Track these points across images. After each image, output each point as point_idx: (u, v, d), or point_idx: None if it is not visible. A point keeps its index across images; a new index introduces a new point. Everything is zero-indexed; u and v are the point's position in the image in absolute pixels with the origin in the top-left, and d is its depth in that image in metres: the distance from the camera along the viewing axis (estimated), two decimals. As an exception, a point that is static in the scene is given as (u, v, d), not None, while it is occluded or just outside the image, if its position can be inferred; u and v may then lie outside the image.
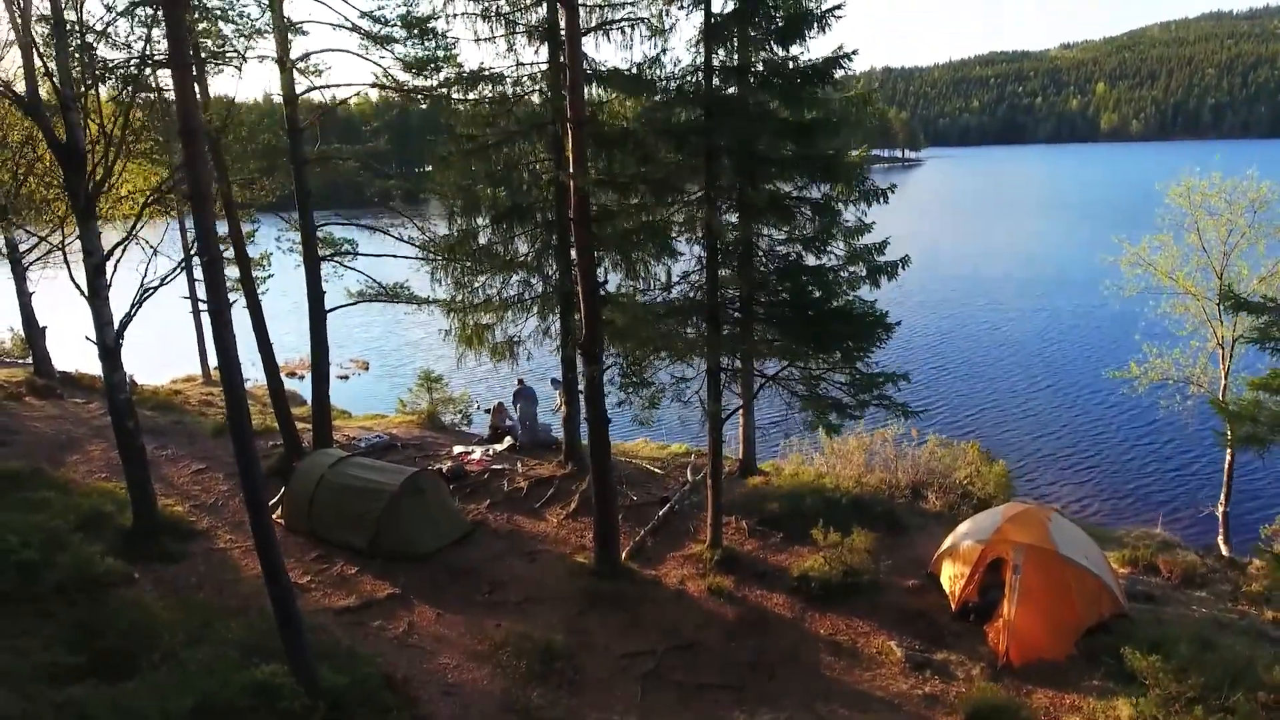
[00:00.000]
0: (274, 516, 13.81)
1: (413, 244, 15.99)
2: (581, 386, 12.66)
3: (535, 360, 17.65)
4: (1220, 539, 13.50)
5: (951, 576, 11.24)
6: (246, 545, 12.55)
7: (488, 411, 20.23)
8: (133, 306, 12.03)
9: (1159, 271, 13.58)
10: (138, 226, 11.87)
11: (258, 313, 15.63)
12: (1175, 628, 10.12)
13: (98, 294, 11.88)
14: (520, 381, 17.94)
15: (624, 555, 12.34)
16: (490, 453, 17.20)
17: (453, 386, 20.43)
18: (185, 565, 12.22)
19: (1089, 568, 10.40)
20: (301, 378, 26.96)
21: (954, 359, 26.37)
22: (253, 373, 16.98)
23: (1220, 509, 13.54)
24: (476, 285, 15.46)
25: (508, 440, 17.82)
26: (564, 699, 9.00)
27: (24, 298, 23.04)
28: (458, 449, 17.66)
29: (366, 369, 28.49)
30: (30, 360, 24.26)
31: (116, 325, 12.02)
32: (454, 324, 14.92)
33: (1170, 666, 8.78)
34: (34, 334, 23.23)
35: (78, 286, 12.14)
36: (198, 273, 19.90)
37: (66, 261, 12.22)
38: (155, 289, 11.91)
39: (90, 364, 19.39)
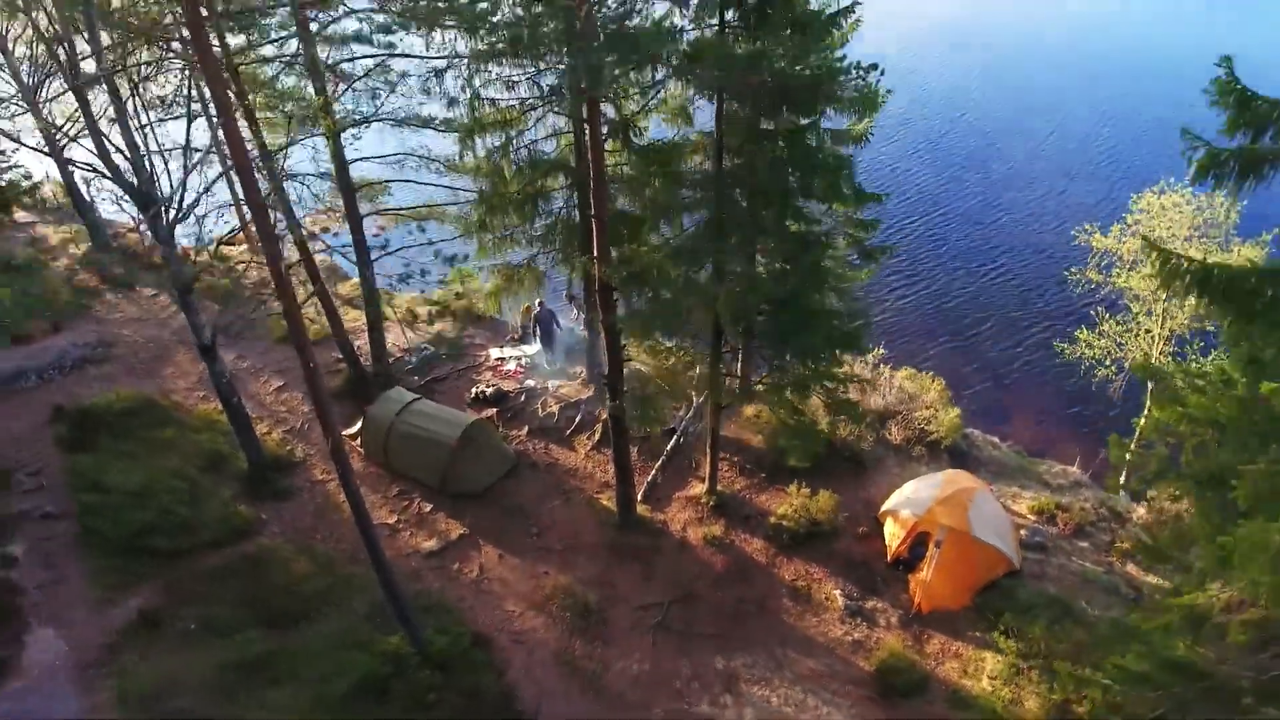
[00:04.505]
0: (355, 444, 17.05)
1: (440, 178, 17.22)
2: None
3: (559, 285, 19.61)
4: (1122, 479, 16.58)
5: (891, 534, 14.59)
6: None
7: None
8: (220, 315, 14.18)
9: (1122, 259, 14.97)
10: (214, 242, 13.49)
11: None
12: (1047, 589, 13.64)
13: (189, 308, 13.94)
14: (541, 304, 19.84)
15: (639, 496, 15.65)
16: (524, 361, 19.90)
17: (483, 276, 22.30)
18: (297, 503, 15.64)
19: (993, 543, 13.65)
20: (336, 234, 28.55)
21: (952, 244, 27.21)
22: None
23: (1128, 454, 16.39)
24: (506, 233, 16.97)
25: (535, 345, 20.36)
26: (598, 650, 12.85)
27: (64, 171, 24.09)
28: (493, 354, 20.33)
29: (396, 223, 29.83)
30: (73, 206, 25.66)
31: (209, 330, 14.27)
32: (490, 281, 16.76)
33: (1027, 638, 12.41)
34: (85, 209, 24.64)
35: (171, 295, 14.16)
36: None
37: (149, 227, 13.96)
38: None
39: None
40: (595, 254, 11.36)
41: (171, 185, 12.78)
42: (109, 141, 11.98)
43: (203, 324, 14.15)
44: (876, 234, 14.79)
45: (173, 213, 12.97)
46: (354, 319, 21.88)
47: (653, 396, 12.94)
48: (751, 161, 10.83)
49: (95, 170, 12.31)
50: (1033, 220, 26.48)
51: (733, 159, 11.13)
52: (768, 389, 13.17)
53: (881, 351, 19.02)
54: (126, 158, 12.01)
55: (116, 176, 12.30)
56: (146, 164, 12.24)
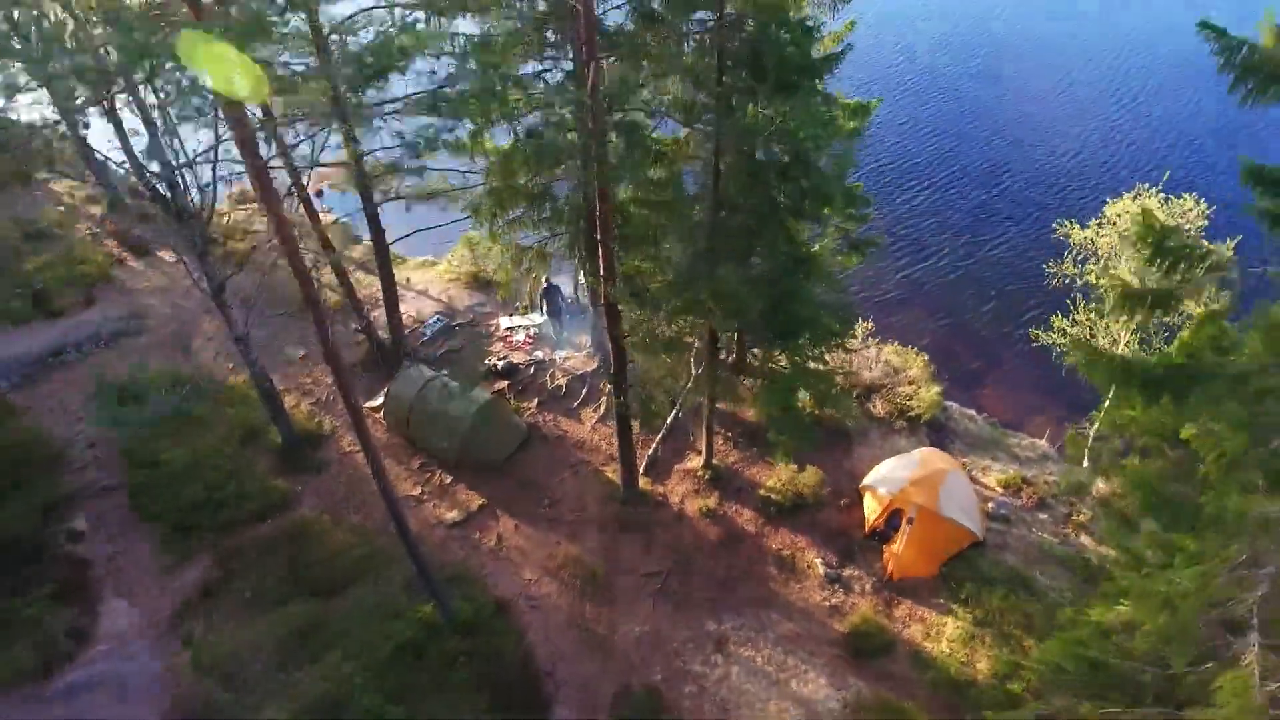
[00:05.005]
0: (377, 416, 18.42)
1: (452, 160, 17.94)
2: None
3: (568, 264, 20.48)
4: (1084, 461, 17.95)
5: (869, 507, 16.09)
6: (365, 450, 17.30)
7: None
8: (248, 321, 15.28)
9: (1098, 254, 15.87)
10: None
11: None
12: (1006, 560, 15.22)
13: (223, 306, 15.01)
14: (547, 280, 20.74)
15: (641, 469, 17.08)
16: (532, 331, 21.04)
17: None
18: (329, 476, 17.09)
19: (960, 520, 15.14)
20: (343, 193, 29.07)
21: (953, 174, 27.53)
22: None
23: (1091, 431, 17.71)
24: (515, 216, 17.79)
25: (542, 315, 21.42)
26: (605, 614, 14.53)
27: (76, 131, 24.51)
28: (504, 323, 21.43)
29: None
30: (88, 169, 26.23)
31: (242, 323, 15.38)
32: (500, 268, 17.73)
33: (984, 606, 14.07)
34: (99, 171, 25.16)
35: (204, 291, 15.19)
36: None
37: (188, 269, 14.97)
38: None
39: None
40: (602, 274, 12.37)
41: (201, 194, 13.66)
42: (144, 163, 12.78)
43: (236, 318, 15.25)
44: (868, 223, 15.76)
45: (204, 215, 13.92)
46: (366, 284, 22.81)
47: (654, 395, 14.18)
48: (748, 196, 11.69)
49: (132, 190, 13.11)
50: (1042, 189, 26.58)
51: (729, 188, 11.96)
52: (758, 389, 14.38)
53: (869, 325, 20.11)
54: (157, 174, 12.84)
55: (153, 192, 13.16)
56: (179, 176, 13.08)
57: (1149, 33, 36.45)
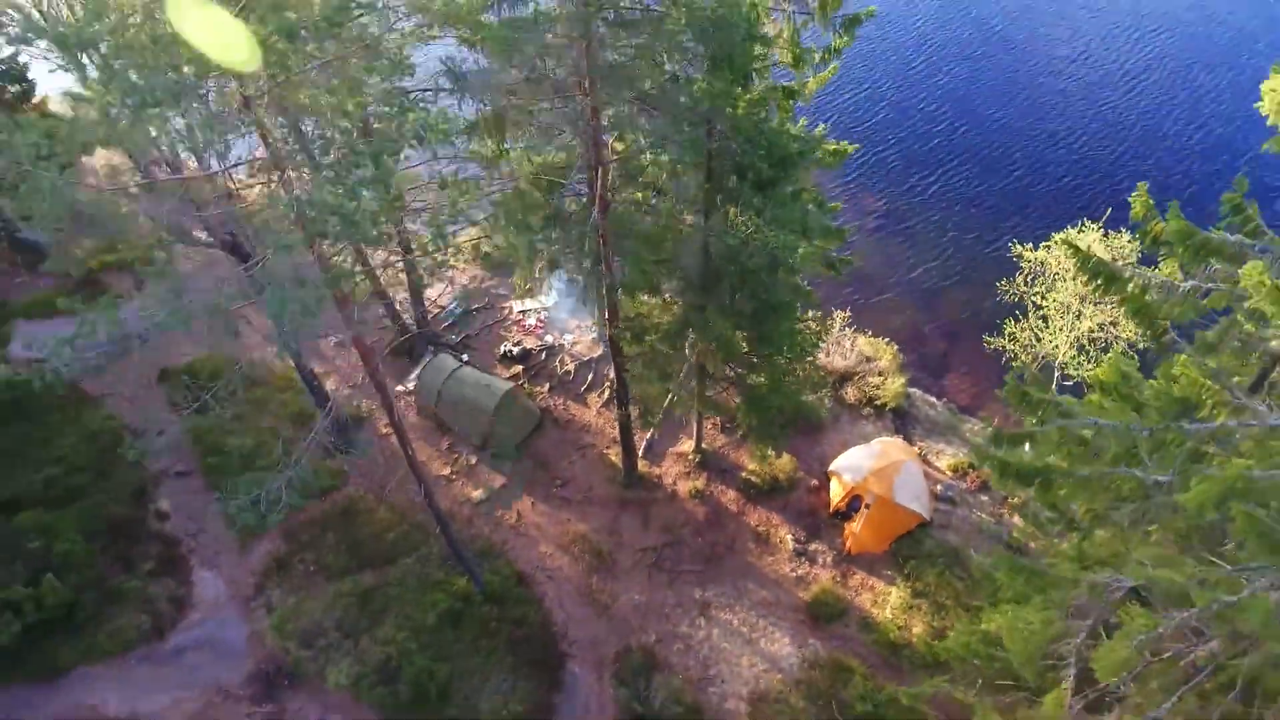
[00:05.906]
0: (409, 400, 20.92)
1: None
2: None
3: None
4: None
5: (834, 491, 18.79)
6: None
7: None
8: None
9: (1046, 274, 17.79)
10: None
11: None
12: (948, 539, 18.02)
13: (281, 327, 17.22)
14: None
15: (640, 452, 19.69)
16: (543, 316, 23.24)
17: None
18: (369, 457, 19.73)
19: (910, 505, 17.84)
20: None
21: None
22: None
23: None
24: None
25: (552, 297, 23.55)
26: (609, 585, 17.46)
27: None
28: (516, 307, 23.59)
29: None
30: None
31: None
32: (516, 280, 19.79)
33: (923, 580, 16.95)
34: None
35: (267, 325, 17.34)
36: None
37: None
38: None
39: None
40: (606, 317, 14.56)
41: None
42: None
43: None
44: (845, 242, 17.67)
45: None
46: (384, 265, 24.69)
47: (651, 409, 16.62)
48: (731, 263, 13.71)
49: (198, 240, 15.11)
50: (1036, 186, 27.20)
51: (716, 253, 13.94)
52: (738, 405, 16.78)
53: (847, 315, 22.23)
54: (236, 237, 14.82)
55: (213, 233, 15.18)
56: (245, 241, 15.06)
57: (1151, 30, 35.78)
